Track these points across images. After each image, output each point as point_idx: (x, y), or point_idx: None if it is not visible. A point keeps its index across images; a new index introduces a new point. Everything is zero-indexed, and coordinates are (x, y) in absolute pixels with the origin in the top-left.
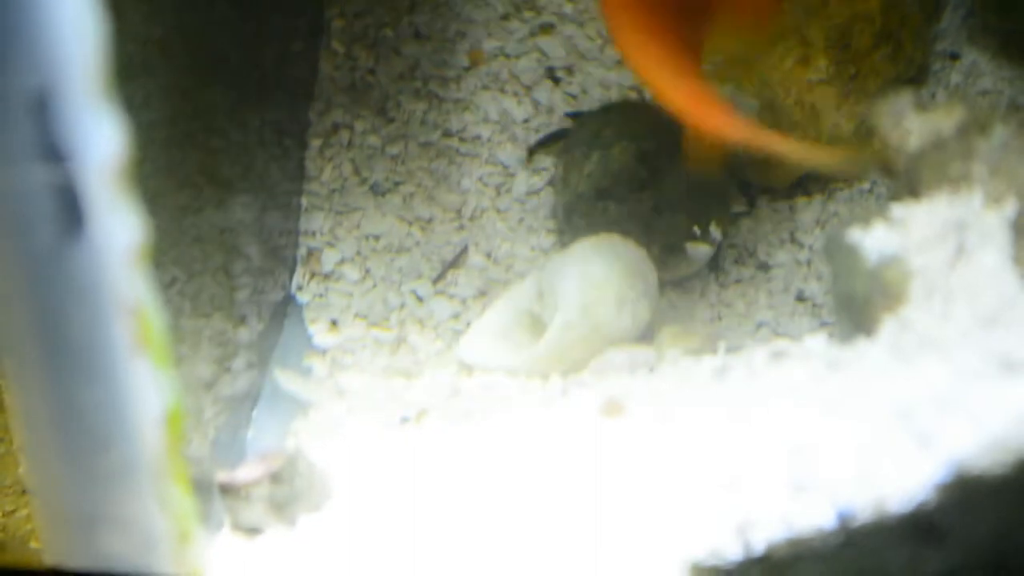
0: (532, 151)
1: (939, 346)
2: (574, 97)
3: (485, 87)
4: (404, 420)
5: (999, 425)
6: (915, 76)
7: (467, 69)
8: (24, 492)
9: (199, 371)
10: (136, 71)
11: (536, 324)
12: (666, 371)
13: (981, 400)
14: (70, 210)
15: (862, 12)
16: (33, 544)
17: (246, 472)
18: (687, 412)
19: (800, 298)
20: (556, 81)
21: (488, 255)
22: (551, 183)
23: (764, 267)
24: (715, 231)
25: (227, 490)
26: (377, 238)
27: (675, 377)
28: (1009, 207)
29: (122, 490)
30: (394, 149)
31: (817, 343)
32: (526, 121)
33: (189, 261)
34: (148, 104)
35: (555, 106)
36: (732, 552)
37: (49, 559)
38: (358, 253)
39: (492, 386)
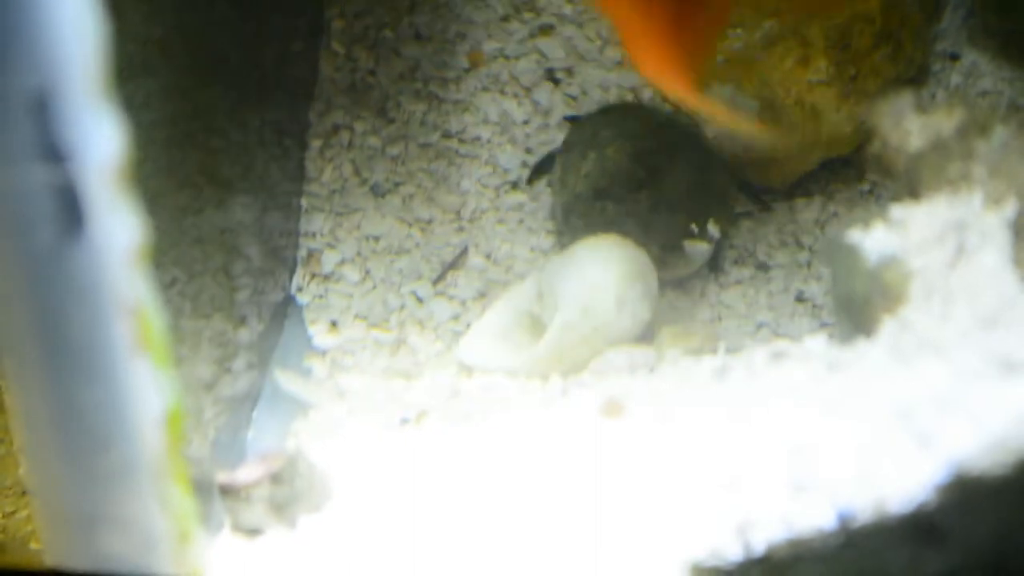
0: (530, 179)
1: (939, 347)
2: (574, 98)
3: (485, 88)
4: (404, 421)
5: (999, 425)
6: (915, 77)
7: (467, 70)
8: (24, 493)
9: (199, 372)
10: (136, 71)
11: (536, 325)
12: (666, 371)
13: (981, 400)
14: (70, 210)
15: (862, 12)
16: (33, 545)
17: (246, 473)
18: (687, 412)
19: (800, 299)
20: (556, 82)
21: (488, 256)
22: (549, 184)
23: (764, 267)
24: (713, 229)
25: (227, 491)
26: (377, 239)
27: (675, 377)
28: (1009, 208)
29: (122, 491)
30: (394, 150)
31: (817, 344)
32: (526, 122)
33: (189, 261)
34: (148, 104)
35: (555, 107)
36: (732, 552)
37: (49, 560)
38: (358, 254)
39: (492, 387)
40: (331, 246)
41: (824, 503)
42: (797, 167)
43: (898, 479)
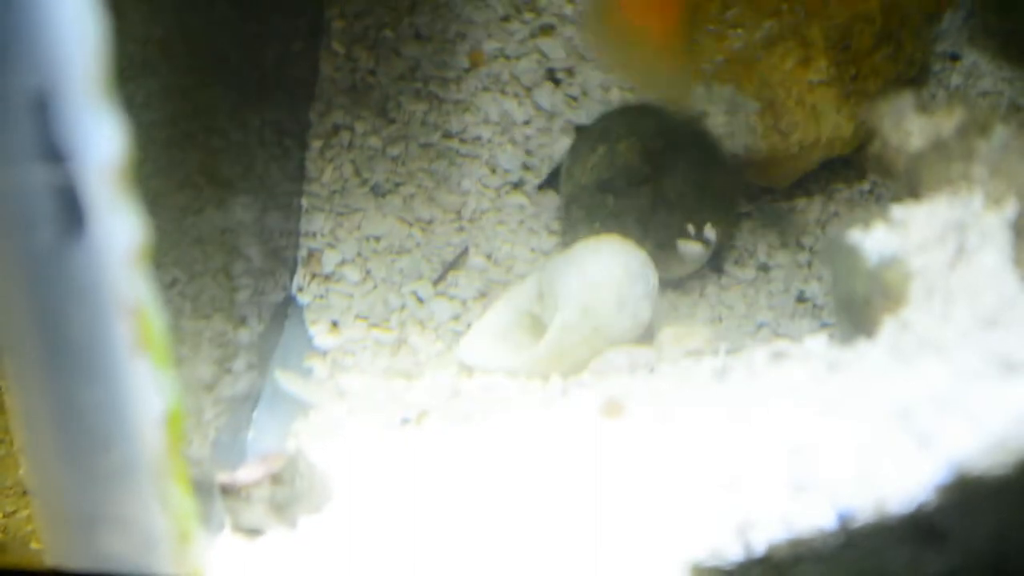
0: (541, 186)
1: (939, 347)
2: (574, 99)
3: (485, 88)
4: (404, 421)
5: (999, 426)
6: (915, 77)
7: (467, 70)
8: (25, 493)
9: (199, 372)
10: (136, 71)
11: (536, 325)
12: (666, 371)
13: (981, 401)
14: (70, 210)
15: (862, 12)
16: (34, 545)
17: (247, 473)
18: (687, 412)
19: (801, 299)
20: (556, 82)
21: (488, 256)
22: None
23: (764, 268)
24: (711, 232)
25: (228, 491)
26: (378, 239)
27: (675, 377)
28: (1009, 208)
29: (122, 491)
30: (395, 150)
31: (817, 344)
32: (527, 122)
33: (189, 262)
34: (148, 104)
35: (555, 107)
36: (732, 552)
37: (50, 560)
38: (359, 254)
39: (492, 387)
40: (332, 246)
41: (824, 503)
42: (797, 167)
43: (898, 479)
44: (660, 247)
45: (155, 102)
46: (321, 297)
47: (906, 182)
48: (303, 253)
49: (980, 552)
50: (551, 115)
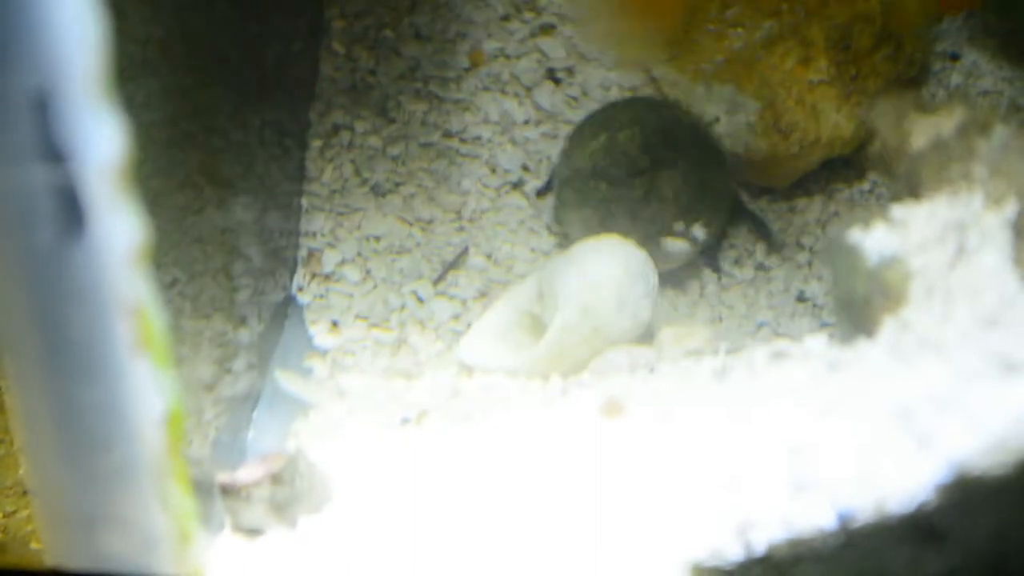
0: (540, 192)
1: (939, 347)
2: (574, 99)
3: (485, 88)
4: (404, 421)
5: (999, 426)
6: (916, 76)
7: (467, 70)
8: (25, 493)
9: (200, 372)
10: (136, 71)
11: (536, 325)
12: (666, 371)
13: (981, 401)
14: (70, 210)
15: (862, 12)
16: (34, 545)
17: (247, 473)
18: (687, 412)
19: (801, 299)
20: (556, 82)
21: (488, 256)
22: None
23: (764, 268)
24: (699, 231)
25: (228, 491)
26: (378, 239)
27: (675, 377)
28: (1009, 208)
29: (123, 491)
30: (395, 150)
31: (817, 344)
32: (526, 122)
33: (189, 262)
34: (148, 104)
35: (555, 107)
36: (733, 552)
37: (50, 560)
38: (359, 254)
39: (492, 387)
40: (332, 246)
41: (824, 503)
42: (798, 167)
43: (898, 479)
44: (646, 240)
45: (155, 102)
46: (321, 297)
47: (906, 182)
48: (303, 253)
49: (980, 552)
50: (553, 120)
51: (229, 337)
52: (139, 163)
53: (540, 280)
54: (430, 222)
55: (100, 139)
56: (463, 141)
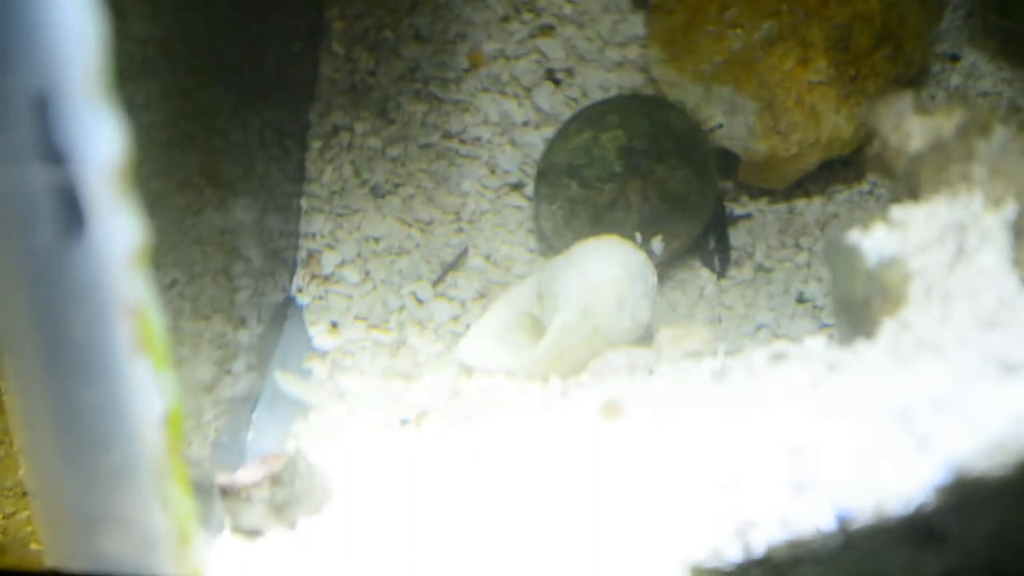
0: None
1: (938, 348)
2: (574, 100)
3: (485, 89)
4: (404, 422)
5: (998, 427)
6: (915, 77)
7: (467, 71)
8: (25, 494)
9: (199, 373)
10: (136, 72)
11: (535, 326)
12: (665, 372)
13: (980, 402)
14: (70, 211)
15: (862, 13)
16: (34, 546)
17: (246, 474)
18: (686, 413)
19: (800, 300)
20: (556, 83)
21: (488, 257)
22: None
23: (763, 269)
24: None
25: (227, 492)
26: (377, 240)
27: (674, 378)
28: (1008, 209)
29: (122, 492)
30: (394, 151)
31: (816, 345)
32: (526, 123)
33: (189, 263)
34: (148, 105)
35: (555, 108)
36: (732, 553)
37: (50, 561)
38: (358, 255)
39: (491, 388)
40: (331, 247)
41: (823, 504)
42: (797, 168)
43: (897, 480)
44: None
45: (155, 103)
46: (320, 298)
47: (905, 183)
48: (303, 254)
49: (978, 553)
50: (551, 116)
51: (229, 338)
52: (139, 164)
53: (539, 281)
54: (429, 223)
55: (100, 140)
56: (462, 142)
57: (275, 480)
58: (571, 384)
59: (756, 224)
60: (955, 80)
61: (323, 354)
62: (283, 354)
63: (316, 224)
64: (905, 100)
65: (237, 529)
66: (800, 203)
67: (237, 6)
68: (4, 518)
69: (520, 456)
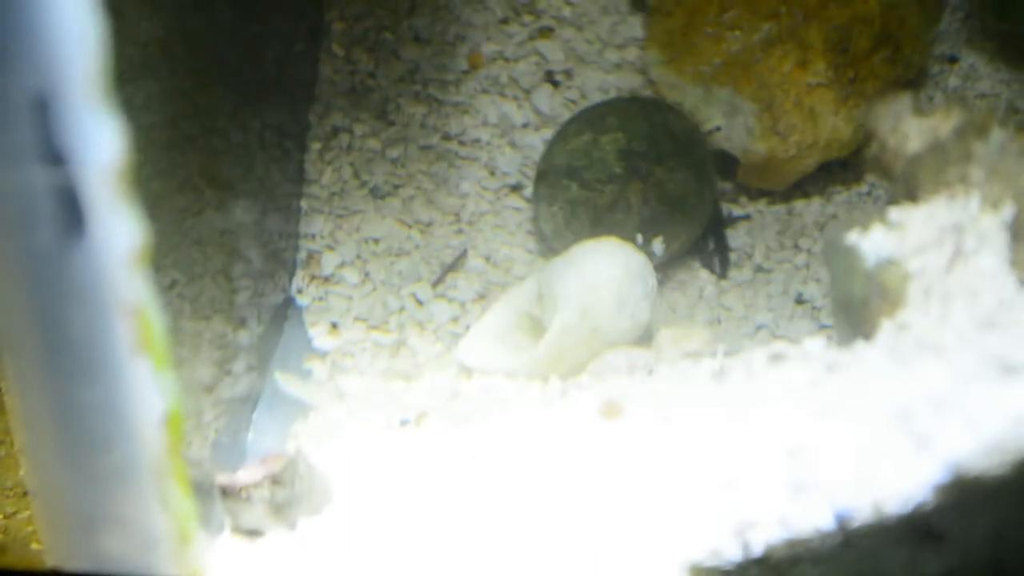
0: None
1: (937, 349)
2: (573, 102)
3: (484, 91)
4: (404, 422)
5: (997, 427)
6: (913, 79)
7: (466, 72)
8: (25, 494)
9: (199, 373)
10: (136, 73)
11: (535, 327)
12: (665, 373)
13: (979, 402)
14: (70, 212)
15: (861, 14)
16: (34, 546)
17: (246, 474)
18: (685, 413)
19: (799, 301)
20: (555, 85)
21: (487, 258)
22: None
23: (762, 270)
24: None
25: (227, 492)
26: (377, 241)
27: (674, 379)
28: (1006, 210)
29: (122, 492)
30: (394, 152)
31: (816, 345)
32: (525, 125)
33: (189, 264)
34: (148, 106)
35: (554, 110)
36: (731, 553)
37: (50, 561)
38: (358, 256)
39: (491, 388)
40: (331, 248)
41: (822, 504)
42: (796, 169)
43: (896, 480)
44: None
45: (155, 104)
46: (320, 299)
47: (904, 184)
48: (302, 255)
49: (977, 552)
50: (550, 118)
51: (229, 339)
52: (139, 165)
53: (539, 282)
54: (429, 224)
55: (100, 141)
56: (462, 144)
57: (275, 480)
58: (571, 384)
59: (755, 225)
60: (953, 82)
61: (323, 355)
62: (283, 355)
63: (316, 225)
64: (903, 102)
65: (237, 529)
66: (799, 204)
67: (237, 7)
68: (5, 518)
69: (520, 456)
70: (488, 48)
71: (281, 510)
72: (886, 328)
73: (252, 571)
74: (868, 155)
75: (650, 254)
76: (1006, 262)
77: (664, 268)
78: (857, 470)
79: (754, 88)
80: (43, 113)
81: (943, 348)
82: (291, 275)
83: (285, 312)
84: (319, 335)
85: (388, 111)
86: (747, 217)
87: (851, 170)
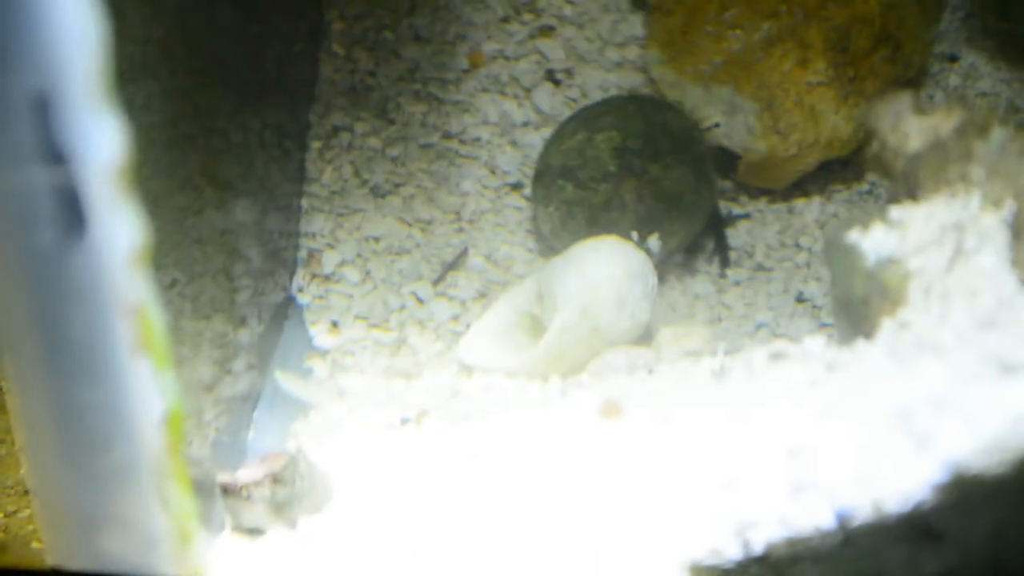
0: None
1: (937, 348)
2: (574, 100)
3: (485, 89)
4: (404, 421)
5: (996, 426)
6: (914, 78)
7: (467, 71)
8: (26, 493)
9: (200, 372)
10: (137, 73)
11: (535, 326)
12: (665, 372)
13: (978, 401)
14: (71, 211)
15: (861, 14)
16: (35, 545)
17: (247, 473)
18: (686, 413)
19: (799, 299)
20: (556, 83)
21: (488, 257)
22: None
23: (763, 268)
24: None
25: (228, 491)
26: (377, 240)
27: (674, 378)
28: (1007, 209)
29: (123, 491)
30: (394, 151)
31: (816, 344)
32: (526, 124)
33: (190, 263)
34: (149, 106)
35: (555, 109)
36: (731, 552)
37: (51, 559)
38: (358, 255)
39: (491, 387)
40: (331, 247)
41: (822, 503)
42: (796, 168)
43: (896, 479)
44: None
45: (155, 103)
46: (321, 297)
47: (904, 183)
48: (303, 254)
49: (977, 552)
50: (550, 117)
51: (229, 338)
52: (139, 164)
53: (539, 281)
54: (429, 223)
55: (100, 140)
56: (462, 142)
57: (276, 479)
58: (571, 384)
59: (755, 224)
60: (954, 81)
61: (323, 353)
62: (283, 353)
63: (316, 224)
64: (904, 100)
65: (238, 528)
66: (799, 203)
67: (237, 7)
68: (5, 516)
69: (520, 455)
70: (489, 47)
71: (282, 509)
72: (886, 327)
73: (253, 570)
74: (868, 154)
75: (647, 251)
76: (1006, 261)
77: (664, 267)
78: (857, 469)
79: (754, 87)
80: (43, 113)
81: (943, 347)
82: (291, 274)
83: (285, 311)
84: (319, 333)
85: (388, 110)
86: (747, 216)
87: (851, 169)
